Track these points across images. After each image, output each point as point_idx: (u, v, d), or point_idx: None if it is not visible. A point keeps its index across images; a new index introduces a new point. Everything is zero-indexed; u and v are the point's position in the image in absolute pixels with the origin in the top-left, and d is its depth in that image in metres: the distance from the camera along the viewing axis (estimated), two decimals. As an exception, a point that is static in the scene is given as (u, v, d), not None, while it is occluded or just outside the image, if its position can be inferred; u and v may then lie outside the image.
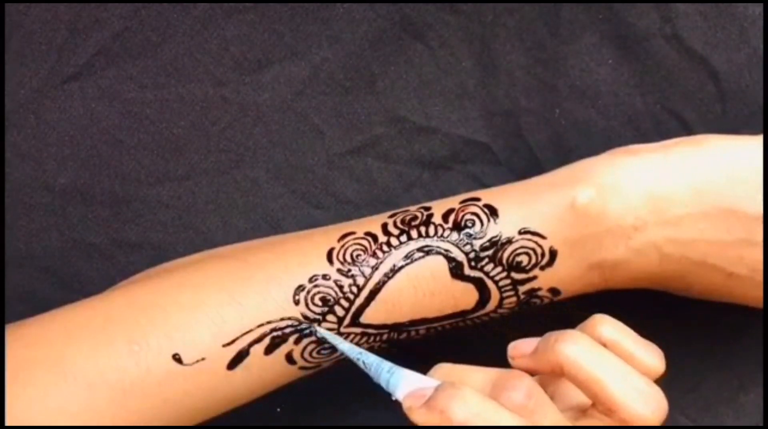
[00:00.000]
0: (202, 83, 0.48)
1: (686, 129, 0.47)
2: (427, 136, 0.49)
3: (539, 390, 0.35)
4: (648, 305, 0.46)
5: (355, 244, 0.42)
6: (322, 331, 0.41)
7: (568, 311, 0.44)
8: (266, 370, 0.41)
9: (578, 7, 0.47)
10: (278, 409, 0.48)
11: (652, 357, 0.37)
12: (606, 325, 0.37)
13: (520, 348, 0.38)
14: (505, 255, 0.41)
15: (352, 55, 0.48)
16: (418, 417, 0.34)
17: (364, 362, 0.38)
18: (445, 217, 0.42)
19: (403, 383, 0.36)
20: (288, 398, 0.44)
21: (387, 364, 0.37)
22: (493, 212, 0.42)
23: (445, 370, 0.36)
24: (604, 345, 0.36)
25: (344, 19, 0.48)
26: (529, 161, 0.49)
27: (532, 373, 0.37)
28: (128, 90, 0.48)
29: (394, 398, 0.36)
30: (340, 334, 0.41)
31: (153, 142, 0.48)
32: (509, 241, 0.41)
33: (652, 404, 0.35)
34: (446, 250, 0.41)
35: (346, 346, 0.40)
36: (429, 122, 0.49)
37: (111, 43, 0.47)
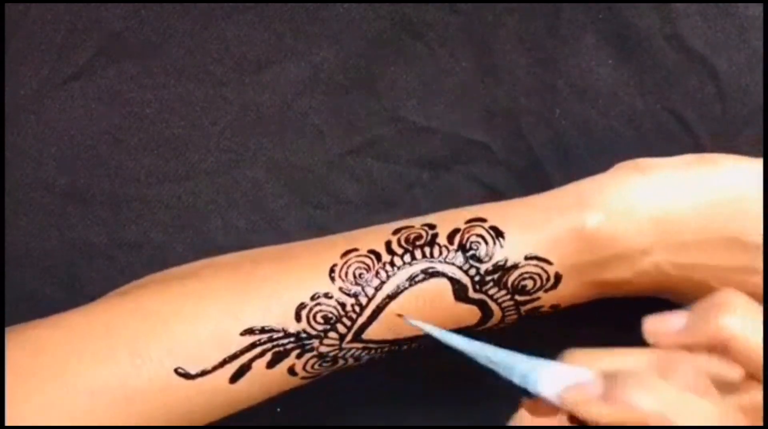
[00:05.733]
0: (202, 83, 0.48)
1: (686, 129, 0.47)
2: (427, 136, 0.49)
3: (702, 371, 0.31)
4: (648, 306, 0.46)
5: (357, 262, 0.40)
6: (414, 321, 0.38)
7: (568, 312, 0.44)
8: (268, 382, 0.40)
9: (578, 7, 0.47)
10: (278, 409, 0.48)
11: None
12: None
13: (665, 324, 0.32)
14: (510, 279, 0.40)
15: (352, 55, 0.48)
16: (596, 411, 0.30)
17: (489, 357, 0.33)
18: (450, 237, 0.41)
19: (550, 376, 0.31)
20: (288, 398, 0.44)
21: (520, 356, 0.33)
22: (499, 234, 0.40)
23: (587, 356, 0.32)
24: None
25: (344, 19, 0.48)
26: (529, 161, 0.48)
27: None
28: (128, 90, 0.48)
29: (533, 393, 0.32)
30: (341, 349, 0.40)
31: (153, 142, 0.48)
32: (515, 267, 0.40)
33: None
34: (451, 273, 0.40)
35: (457, 341, 0.34)
36: (429, 122, 0.48)
37: (111, 43, 0.47)
